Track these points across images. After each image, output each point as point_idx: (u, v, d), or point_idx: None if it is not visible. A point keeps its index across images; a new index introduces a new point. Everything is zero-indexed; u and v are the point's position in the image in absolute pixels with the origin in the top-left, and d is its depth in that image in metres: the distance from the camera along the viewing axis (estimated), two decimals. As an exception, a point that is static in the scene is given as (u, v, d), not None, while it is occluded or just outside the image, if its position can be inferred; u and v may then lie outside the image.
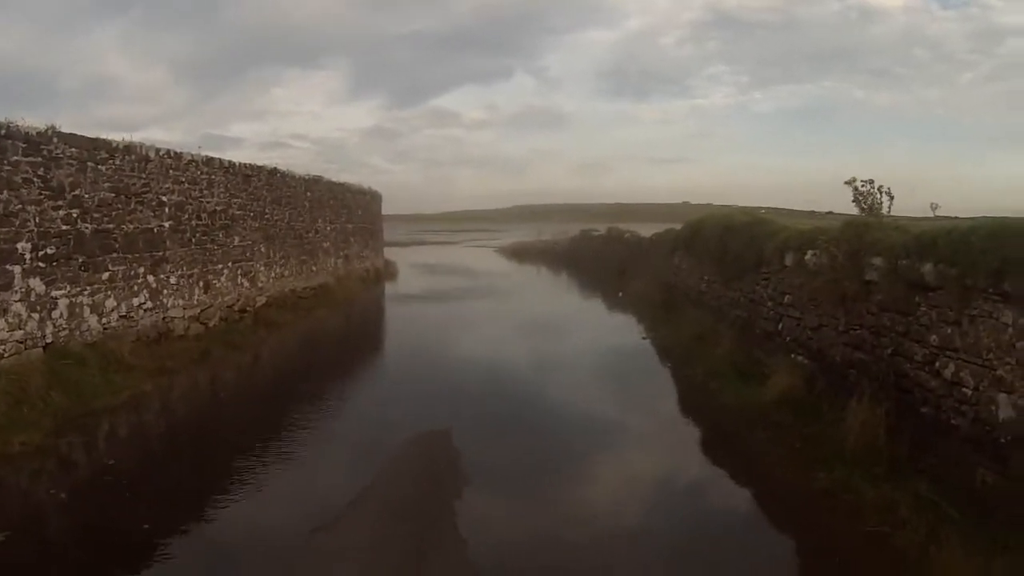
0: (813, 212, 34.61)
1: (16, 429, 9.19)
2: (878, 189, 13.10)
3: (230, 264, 18.35)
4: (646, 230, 32.97)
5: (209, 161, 17.65)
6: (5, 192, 11.00)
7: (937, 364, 7.91)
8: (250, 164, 20.25)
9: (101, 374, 11.84)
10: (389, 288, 31.52)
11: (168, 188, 15.65)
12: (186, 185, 16.36)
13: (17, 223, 11.20)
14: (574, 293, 30.80)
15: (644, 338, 17.79)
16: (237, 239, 18.83)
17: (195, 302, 16.45)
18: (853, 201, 13.46)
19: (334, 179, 28.36)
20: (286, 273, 22.20)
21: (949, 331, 7.72)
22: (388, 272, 34.97)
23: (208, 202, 17.35)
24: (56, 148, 12.18)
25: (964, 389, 7.39)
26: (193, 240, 16.54)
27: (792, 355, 11.77)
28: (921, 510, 6.60)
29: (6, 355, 10.77)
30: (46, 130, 12.04)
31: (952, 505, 6.57)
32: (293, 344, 18.26)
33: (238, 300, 18.49)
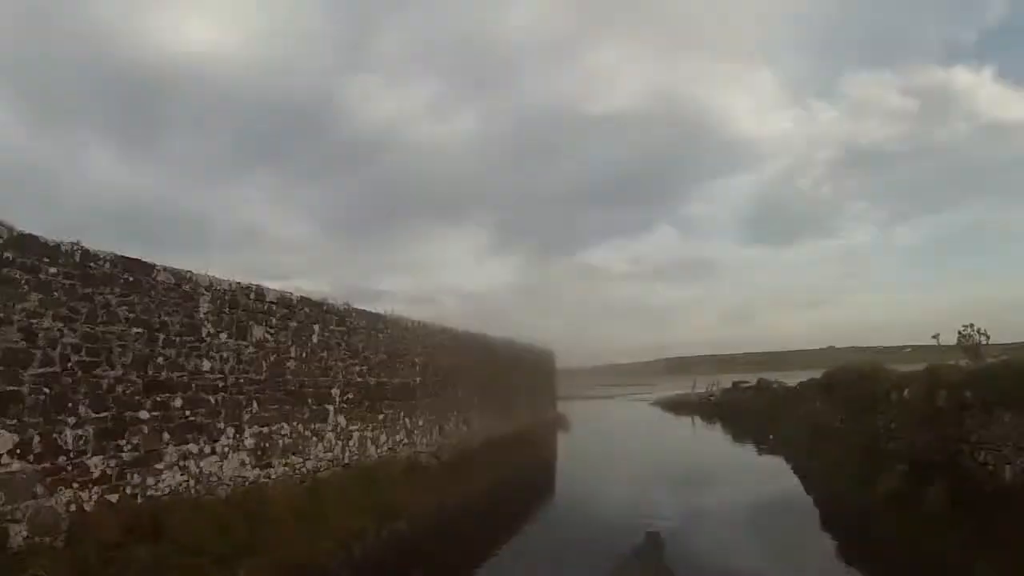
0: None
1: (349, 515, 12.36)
2: (977, 332, 15.76)
3: (456, 412, 21.55)
4: (791, 378, 34.60)
5: (444, 330, 21.24)
6: (326, 352, 14.47)
7: (976, 453, 11.24)
8: (466, 330, 23.76)
9: (386, 487, 14.86)
10: (564, 435, 34.01)
11: (418, 351, 19.11)
12: (429, 348, 19.80)
13: (331, 375, 14.62)
14: (728, 438, 32.50)
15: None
16: (460, 392, 22.09)
17: (433, 441, 19.54)
18: (957, 343, 16.18)
19: (515, 341, 31.58)
20: (492, 421, 25.13)
21: (979, 430, 11.16)
22: (562, 422, 37.43)
23: (442, 362, 20.73)
24: (352, 320, 15.79)
25: (984, 461, 10.83)
26: (433, 391, 19.82)
27: (896, 463, 13.60)
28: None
29: (322, 470, 13.96)
30: (345, 306, 15.68)
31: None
32: (507, 473, 20.94)
33: (460, 441, 21.44)
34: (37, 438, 8.05)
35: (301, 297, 14.09)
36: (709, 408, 44.51)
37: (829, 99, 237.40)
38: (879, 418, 16.18)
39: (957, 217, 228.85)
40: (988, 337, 16.14)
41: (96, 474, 8.84)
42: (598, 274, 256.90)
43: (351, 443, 15.46)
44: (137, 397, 9.59)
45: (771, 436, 26.90)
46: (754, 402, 37.37)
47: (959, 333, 16.36)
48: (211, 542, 9.62)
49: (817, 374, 26.34)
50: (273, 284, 12.83)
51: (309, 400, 13.96)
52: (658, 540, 12.22)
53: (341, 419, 15.14)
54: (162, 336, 10.14)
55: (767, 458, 23.81)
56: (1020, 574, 8.48)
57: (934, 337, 18.32)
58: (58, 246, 8.59)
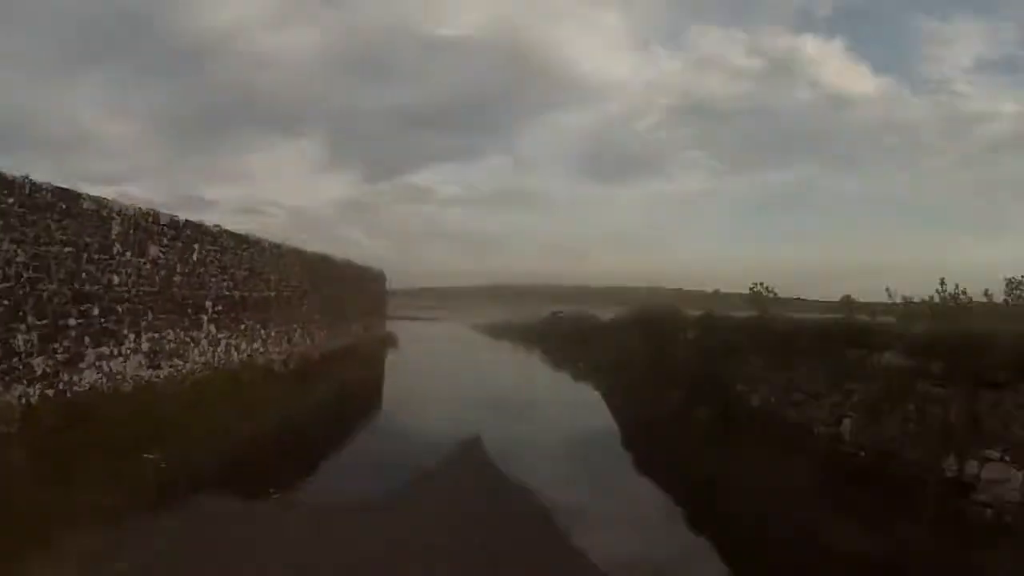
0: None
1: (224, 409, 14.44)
2: (765, 288, 19.60)
3: (302, 325, 23.53)
4: (610, 313, 38.23)
5: (295, 250, 22.99)
6: (201, 268, 16.10)
7: (736, 384, 15.15)
8: (314, 252, 25.55)
9: (249, 388, 16.88)
10: (393, 352, 36.52)
11: (273, 269, 20.84)
12: (282, 267, 21.60)
13: (206, 289, 16.29)
14: (547, 364, 35.22)
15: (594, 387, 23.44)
16: (306, 307, 24.03)
17: (284, 350, 21.50)
18: (749, 296, 19.96)
19: (334, 257, 33.46)
20: (330, 335, 27.24)
21: (738, 366, 15.12)
22: (391, 340, 39.86)
23: (292, 280, 22.57)
24: (223, 240, 17.39)
25: (740, 387, 14.78)
26: (284, 306, 21.70)
27: (679, 389, 17.41)
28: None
29: (197, 372, 15.76)
30: (217, 228, 17.22)
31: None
32: (346, 380, 23.34)
33: (305, 352, 23.51)
34: (-5, 341, 9.59)
35: (186, 220, 15.57)
36: (529, 335, 47.06)
37: (675, 49, 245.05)
38: (673, 352, 20.04)
39: (789, 177, 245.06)
40: (775, 293, 20.05)
41: (39, 372, 10.45)
42: (427, 197, 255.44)
43: (219, 349, 17.25)
44: (67, 307, 11.14)
45: (584, 363, 29.83)
46: (571, 332, 40.41)
47: (750, 288, 20.21)
48: (128, 427, 11.47)
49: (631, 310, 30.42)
50: (104, 190, 13.52)
51: (189, 311, 15.62)
52: (478, 440, 15.20)
53: (212, 328, 16.86)
54: (85, 255, 11.62)
55: (580, 383, 26.73)
56: (747, 463, 12.21)
57: (714, 292, 21.97)
58: (14, 180, 9.93)
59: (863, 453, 10.79)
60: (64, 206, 11.04)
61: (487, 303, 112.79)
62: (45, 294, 10.58)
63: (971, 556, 7.55)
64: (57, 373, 10.90)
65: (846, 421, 11.56)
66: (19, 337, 10.00)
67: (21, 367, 10.05)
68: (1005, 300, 16.60)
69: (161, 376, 14.23)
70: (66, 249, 11.06)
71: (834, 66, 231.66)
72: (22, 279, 10.02)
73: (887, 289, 18.03)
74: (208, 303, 16.63)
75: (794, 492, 10.74)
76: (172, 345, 14.79)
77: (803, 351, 13.43)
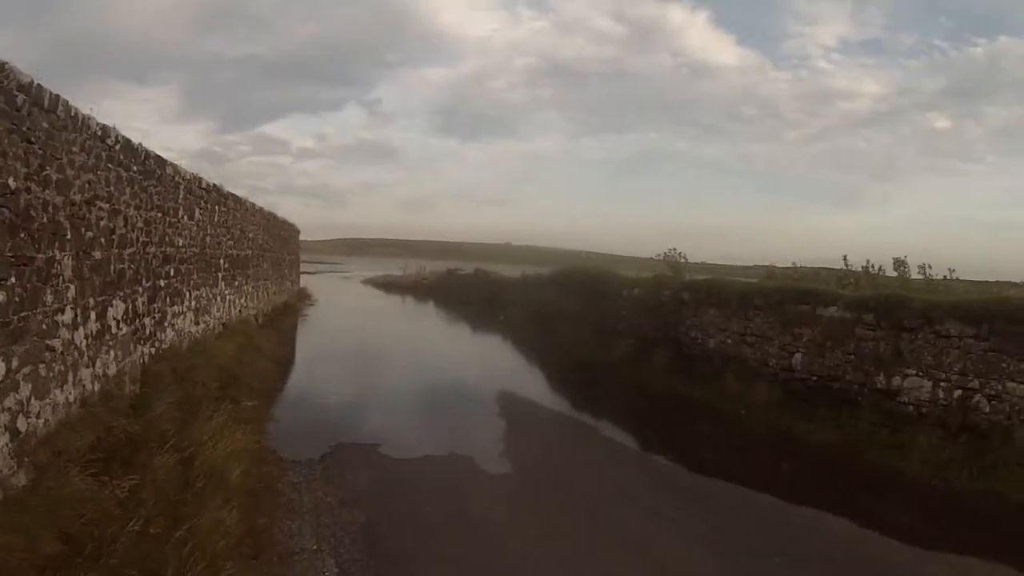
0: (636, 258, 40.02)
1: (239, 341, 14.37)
2: (679, 254, 20.91)
3: (263, 281, 23.02)
4: (470, 267, 36.98)
5: (260, 209, 22.40)
6: (220, 229, 15.68)
7: (690, 332, 16.70)
8: (270, 210, 24.86)
9: (252, 336, 16.68)
10: (313, 308, 35.22)
11: (250, 227, 20.33)
12: (254, 225, 21.07)
13: (221, 248, 15.93)
14: (453, 319, 33.30)
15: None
16: (266, 265, 23.48)
17: (254, 305, 21.08)
18: (664, 259, 21.22)
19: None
20: (275, 290, 26.67)
21: (692, 318, 16.67)
22: (309, 293, 38.26)
23: (258, 238, 22.07)
24: (228, 202, 16.91)
25: (695, 334, 16.35)
26: (255, 263, 21.26)
27: (627, 339, 18.77)
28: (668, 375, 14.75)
29: (217, 328, 15.44)
30: (225, 190, 16.69)
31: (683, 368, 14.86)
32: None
33: (264, 305, 23.10)
34: (130, 305, 9.32)
35: (213, 184, 15.07)
36: (422, 291, 44.96)
37: (540, 10, 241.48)
38: (611, 307, 21.36)
39: (644, 141, 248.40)
40: (686, 258, 21.49)
41: (147, 333, 10.19)
42: (282, 148, 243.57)
43: (226, 305, 16.86)
44: (159, 268, 10.83)
45: (501, 318, 29.30)
46: (472, 289, 38.54)
47: (665, 253, 21.53)
48: (213, 379, 11.34)
49: (501, 267, 30.59)
50: None
51: (212, 269, 15.22)
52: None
53: (223, 285, 16.46)
54: (168, 219, 11.28)
55: (496, 338, 25.90)
56: (715, 388, 14.50)
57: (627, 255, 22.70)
58: (138, 147, 9.55)
59: (814, 378, 13.38)
60: (158, 172, 10.67)
61: (345, 256, 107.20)
62: (151, 257, 10.28)
63: (900, 435, 10.79)
64: (155, 333, 10.65)
65: (796, 355, 13.99)
66: (139, 299, 9.74)
67: (139, 329, 9.81)
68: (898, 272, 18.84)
69: (198, 332, 13.92)
70: (159, 214, 10.73)
71: (697, 36, 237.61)
72: (138, 243, 9.72)
73: (794, 263, 20.17)
74: (222, 261, 16.22)
75: (763, 406, 13.41)
76: (204, 302, 14.45)
77: (758, 306, 15.38)
